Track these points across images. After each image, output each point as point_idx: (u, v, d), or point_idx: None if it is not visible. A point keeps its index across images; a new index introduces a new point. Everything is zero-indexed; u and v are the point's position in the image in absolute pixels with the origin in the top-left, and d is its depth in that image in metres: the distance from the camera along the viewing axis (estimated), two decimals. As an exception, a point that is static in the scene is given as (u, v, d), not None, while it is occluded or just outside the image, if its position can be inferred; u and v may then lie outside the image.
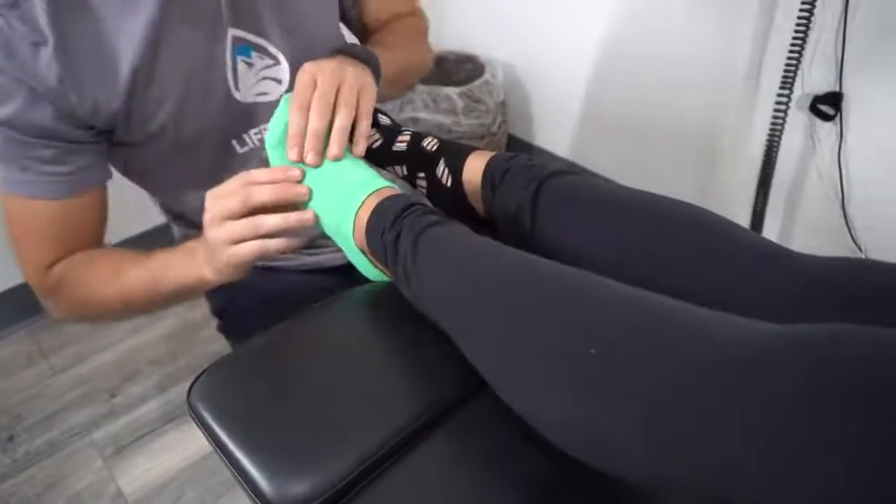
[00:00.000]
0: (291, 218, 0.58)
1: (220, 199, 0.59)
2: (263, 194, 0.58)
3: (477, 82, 1.70)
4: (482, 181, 0.69)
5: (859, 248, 1.28)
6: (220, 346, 1.39)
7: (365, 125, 0.64)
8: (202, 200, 0.61)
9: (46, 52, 0.59)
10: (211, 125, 0.71)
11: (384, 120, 0.75)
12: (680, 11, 1.38)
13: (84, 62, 0.61)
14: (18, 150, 0.62)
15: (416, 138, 0.73)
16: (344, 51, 0.69)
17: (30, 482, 1.18)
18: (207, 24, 0.67)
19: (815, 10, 1.10)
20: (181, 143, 0.70)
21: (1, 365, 1.40)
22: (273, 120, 0.63)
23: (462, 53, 1.83)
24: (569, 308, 0.46)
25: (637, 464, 0.41)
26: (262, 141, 0.76)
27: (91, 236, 0.71)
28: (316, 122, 0.60)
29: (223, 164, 0.74)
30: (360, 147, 0.63)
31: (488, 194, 0.68)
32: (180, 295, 0.69)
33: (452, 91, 1.66)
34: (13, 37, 0.58)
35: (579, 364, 0.43)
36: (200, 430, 0.53)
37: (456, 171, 0.71)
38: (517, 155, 0.69)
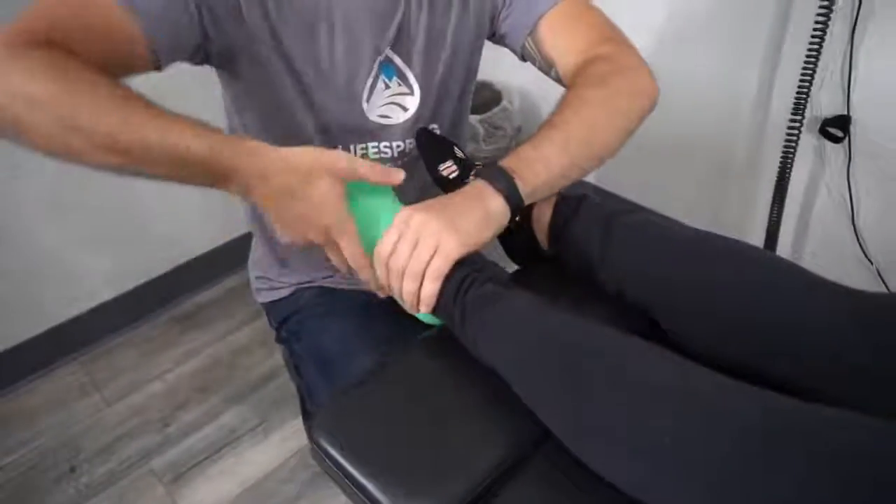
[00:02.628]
0: (364, 277, 0.65)
1: (344, 232, 0.62)
2: (364, 273, 0.64)
3: (495, 109, 1.77)
4: (552, 219, 0.75)
5: (870, 262, 1.36)
6: (262, 371, 1.47)
7: (428, 289, 0.62)
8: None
9: None
10: (330, 116, 0.77)
11: (460, 154, 0.81)
12: (692, 37, 1.46)
13: None
14: None
15: None
16: (483, 175, 0.67)
17: (97, 511, 1.24)
18: (375, 33, 0.75)
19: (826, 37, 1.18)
20: (291, 113, 0.75)
21: (54, 398, 1.45)
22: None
23: (479, 81, 1.90)
24: (622, 385, 0.53)
25: None
26: (362, 157, 0.81)
27: (97, 61, 0.58)
28: (392, 288, 0.64)
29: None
30: (423, 308, 0.64)
31: (558, 232, 0.75)
32: (175, 163, 0.58)
33: (474, 119, 1.74)
34: None
35: (640, 440, 0.50)
36: (323, 461, 0.60)
37: (526, 208, 0.77)
38: (585, 195, 0.76)
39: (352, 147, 0.81)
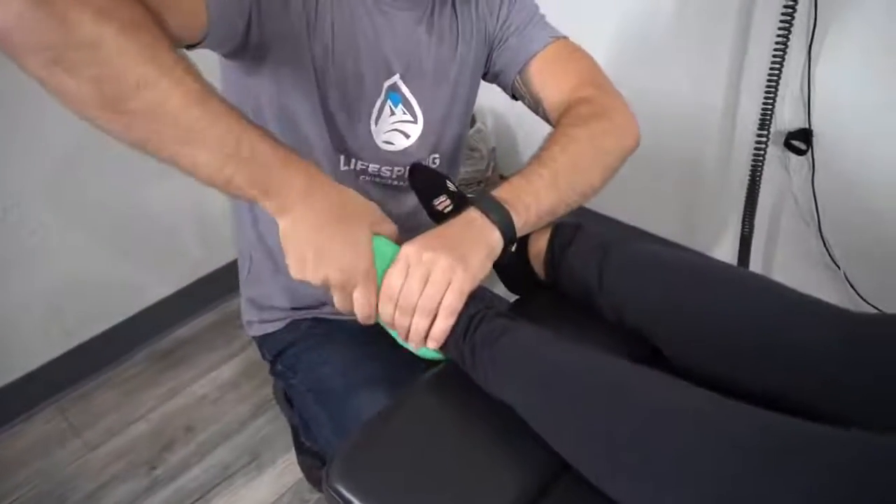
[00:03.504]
0: (365, 317, 0.65)
1: (368, 281, 0.63)
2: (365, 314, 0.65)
3: (471, 131, 1.80)
4: (548, 248, 0.77)
5: (837, 266, 1.42)
6: (249, 406, 1.45)
7: (441, 326, 0.63)
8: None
9: None
10: (343, 131, 0.78)
11: (452, 187, 0.83)
12: (657, 56, 1.51)
13: None
14: None
15: None
16: (479, 205, 0.67)
17: (84, 563, 1.20)
18: (388, 61, 0.78)
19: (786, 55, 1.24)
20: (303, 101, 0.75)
21: (34, 446, 1.40)
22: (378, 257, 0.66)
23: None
24: (640, 423, 0.54)
25: None
26: (362, 173, 0.83)
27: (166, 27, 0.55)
28: (401, 326, 0.64)
29: (317, 158, 0.79)
30: (432, 344, 0.64)
31: (555, 260, 0.77)
32: (227, 154, 0.56)
33: (450, 142, 1.76)
34: None
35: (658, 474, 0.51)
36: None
37: (522, 239, 0.79)
38: (580, 224, 0.78)
39: (355, 161, 0.82)
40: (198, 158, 0.56)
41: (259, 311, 0.94)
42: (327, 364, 0.87)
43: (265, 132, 0.59)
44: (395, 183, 0.86)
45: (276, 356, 0.94)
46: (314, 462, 1.17)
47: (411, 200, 0.87)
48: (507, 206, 0.67)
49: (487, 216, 0.66)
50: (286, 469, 1.33)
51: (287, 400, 1.01)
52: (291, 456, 1.30)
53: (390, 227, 0.67)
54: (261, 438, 1.40)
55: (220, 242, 1.66)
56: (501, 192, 0.68)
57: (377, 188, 0.85)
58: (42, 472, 1.35)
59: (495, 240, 0.66)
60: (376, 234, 0.65)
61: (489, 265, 0.66)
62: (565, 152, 0.73)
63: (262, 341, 0.96)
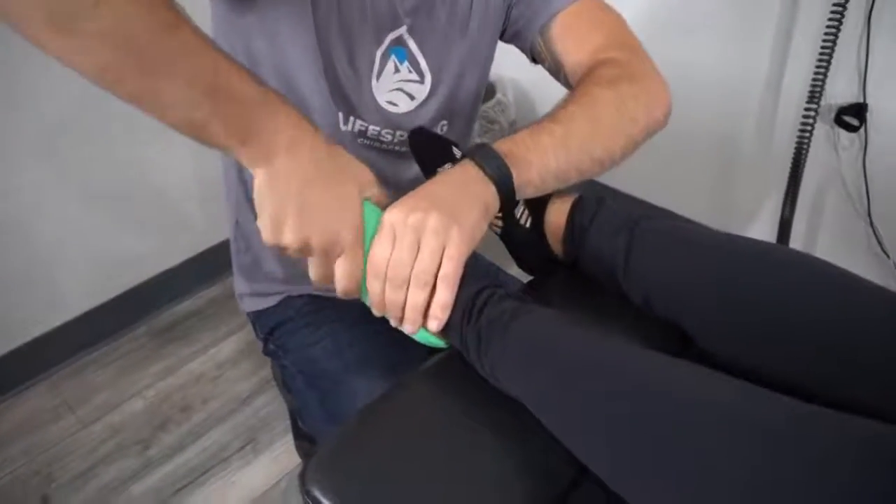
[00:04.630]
0: (345, 290, 0.56)
1: (353, 248, 0.55)
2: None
3: (490, 102, 1.69)
4: (567, 225, 0.68)
5: (887, 256, 1.30)
6: (247, 385, 1.38)
7: (442, 299, 0.54)
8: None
9: None
10: (343, 85, 0.70)
11: (458, 154, 0.74)
12: (697, 23, 1.39)
13: None
14: None
15: None
16: (474, 156, 0.58)
17: (72, 544, 1.15)
18: (395, 9, 0.69)
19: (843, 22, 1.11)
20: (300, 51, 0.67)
21: (26, 421, 1.35)
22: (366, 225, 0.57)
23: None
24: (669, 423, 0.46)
25: None
26: (361, 135, 0.74)
27: None
28: (393, 303, 0.55)
29: (313, 115, 0.70)
30: (433, 324, 0.55)
31: (574, 238, 0.68)
32: (206, 94, 0.48)
33: (467, 113, 1.66)
34: None
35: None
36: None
37: (537, 213, 0.70)
38: (603, 199, 0.69)
39: (354, 119, 0.73)
40: (164, 96, 0.47)
41: (250, 281, 0.87)
42: (319, 345, 0.80)
43: (246, 70, 0.51)
44: (396, 148, 0.77)
45: (267, 334, 0.88)
46: (312, 448, 1.10)
47: (412, 169, 0.78)
48: (506, 159, 0.57)
49: (483, 169, 0.57)
50: (284, 453, 1.26)
51: (284, 382, 0.94)
52: (290, 439, 1.24)
53: (382, 193, 0.58)
54: (259, 420, 1.33)
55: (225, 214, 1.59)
56: (502, 145, 0.59)
57: (375, 153, 0.76)
58: (31, 449, 1.30)
59: (490, 196, 0.57)
60: (366, 198, 0.56)
61: (485, 226, 0.57)
62: (584, 112, 0.63)
63: (256, 318, 0.89)
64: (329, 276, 0.56)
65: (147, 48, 0.45)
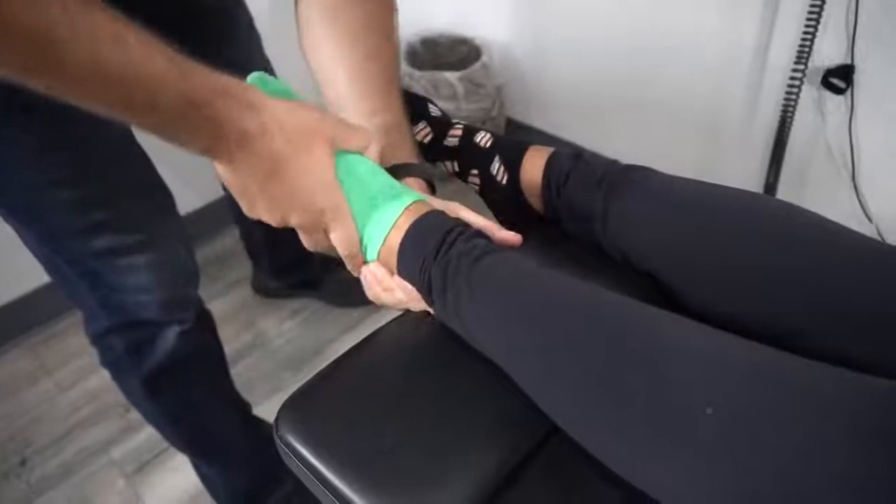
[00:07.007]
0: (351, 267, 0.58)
1: (338, 220, 0.54)
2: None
3: (475, 66, 1.66)
4: (544, 180, 0.66)
5: (869, 220, 1.30)
6: (232, 349, 1.36)
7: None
8: None
9: None
10: None
11: (435, 111, 0.71)
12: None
13: None
14: None
15: (469, 132, 0.70)
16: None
17: (51, 507, 1.14)
18: None
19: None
20: None
21: (2, 385, 1.33)
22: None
23: (455, 35, 1.78)
24: (658, 366, 0.44)
25: None
26: None
27: None
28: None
29: None
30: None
31: (552, 193, 0.66)
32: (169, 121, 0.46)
33: (452, 76, 1.62)
34: None
35: (687, 425, 0.41)
36: (293, 462, 0.50)
37: (513, 169, 0.68)
38: (580, 153, 0.67)
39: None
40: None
41: None
42: None
43: (190, 72, 0.45)
44: None
45: None
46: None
47: None
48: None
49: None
50: (265, 415, 1.26)
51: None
52: (273, 404, 1.23)
53: (361, 139, 0.56)
54: (241, 384, 1.32)
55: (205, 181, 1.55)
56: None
57: None
58: (7, 413, 1.28)
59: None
60: (345, 151, 0.54)
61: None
62: None
63: None
64: (322, 245, 0.55)
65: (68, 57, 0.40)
